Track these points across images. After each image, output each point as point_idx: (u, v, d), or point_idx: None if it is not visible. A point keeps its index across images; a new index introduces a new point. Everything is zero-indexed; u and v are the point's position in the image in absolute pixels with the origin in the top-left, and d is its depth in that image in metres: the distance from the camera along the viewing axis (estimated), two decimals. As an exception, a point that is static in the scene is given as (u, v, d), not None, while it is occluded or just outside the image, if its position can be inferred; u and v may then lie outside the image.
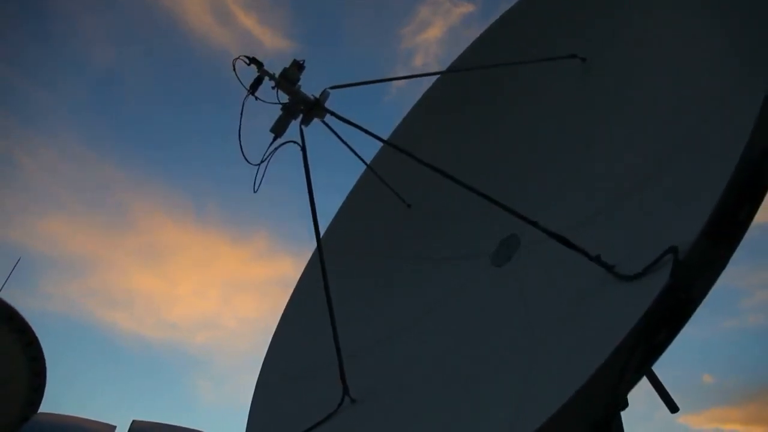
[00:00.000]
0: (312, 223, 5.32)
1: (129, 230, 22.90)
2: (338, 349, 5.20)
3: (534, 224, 4.99)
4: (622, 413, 4.15)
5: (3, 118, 20.49)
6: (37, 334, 13.30)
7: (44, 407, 13.27)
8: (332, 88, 5.09)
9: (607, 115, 5.66)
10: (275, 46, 22.17)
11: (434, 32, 21.79)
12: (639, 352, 3.15)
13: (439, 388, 4.83)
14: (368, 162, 7.59)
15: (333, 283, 7.15)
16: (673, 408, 4.44)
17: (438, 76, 8.47)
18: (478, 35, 8.48)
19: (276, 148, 4.97)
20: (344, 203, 8.69)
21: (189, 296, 24.20)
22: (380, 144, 8.92)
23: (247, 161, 4.88)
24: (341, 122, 5.07)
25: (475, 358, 4.81)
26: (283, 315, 7.94)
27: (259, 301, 25.16)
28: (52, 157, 21.89)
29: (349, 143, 6.34)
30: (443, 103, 8.29)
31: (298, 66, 4.91)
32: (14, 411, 12.85)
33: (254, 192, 4.94)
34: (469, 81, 7.72)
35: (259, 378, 7.16)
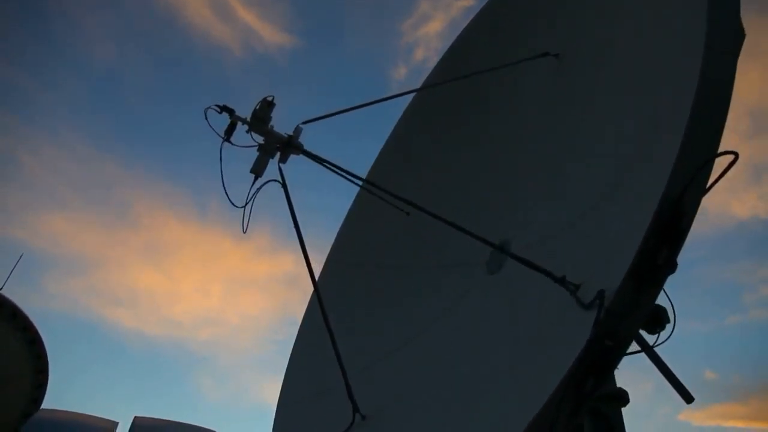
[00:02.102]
0: (302, 250, 5.35)
1: (131, 228, 23.05)
2: (343, 371, 5.30)
3: (501, 249, 5.25)
4: (624, 410, 4.28)
5: (5, 117, 20.60)
6: (39, 332, 13.59)
7: (47, 404, 13.55)
8: (304, 123, 5.18)
9: (580, 119, 5.74)
10: (275, 40, 22.19)
11: (435, 26, 21.81)
12: (568, 402, 3.29)
13: (444, 400, 4.98)
14: (365, 173, 7.67)
15: (340, 298, 7.45)
16: (687, 398, 4.53)
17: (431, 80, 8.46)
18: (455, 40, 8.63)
19: (258, 189, 5.01)
20: (347, 216, 8.86)
21: (191, 293, 24.35)
22: (375, 153, 9.13)
23: (233, 204, 4.93)
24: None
25: (474, 370, 4.96)
26: (297, 335, 8.10)
27: (261, 298, 25.29)
28: (54, 155, 22.06)
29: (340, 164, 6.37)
30: (427, 117, 8.47)
31: (268, 104, 4.92)
32: (17, 408, 13.11)
33: (243, 233, 4.98)
34: (449, 94, 7.79)
35: (279, 400, 7.34)
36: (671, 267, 3.63)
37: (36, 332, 13.50)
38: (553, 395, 3.26)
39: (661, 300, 4.25)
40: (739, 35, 4.22)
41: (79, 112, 22.63)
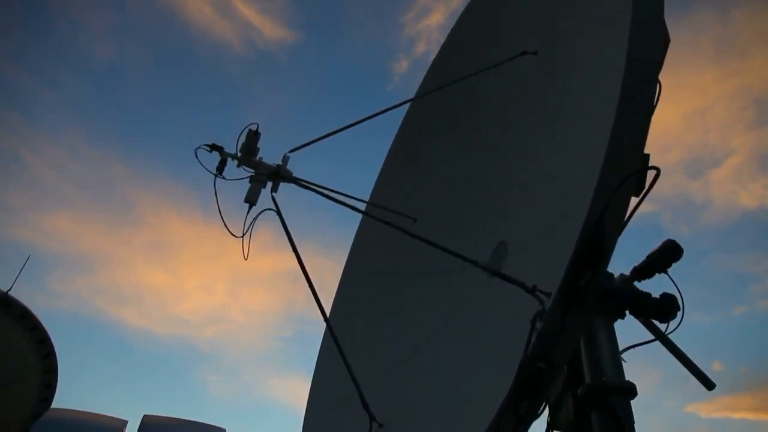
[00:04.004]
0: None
1: (135, 226, 23.44)
2: (355, 382, 5.45)
3: (474, 263, 5.36)
4: (632, 402, 4.36)
5: (8, 117, 21.01)
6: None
7: (56, 403, 13.92)
8: (291, 151, 5.43)
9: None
10: (276, 35, 22.56)
11: (436, 18, 22.15)
12: (507, 426, 3.51)
13: (448, 409, 5.14)
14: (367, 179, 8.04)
15: (356, 308, 7.89)
16: (708, 385, 4.77)
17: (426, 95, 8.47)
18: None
19: (255, 218, 5.22)
20: (359, 229, 9.11)
21: (196, 291, 24.69)
22: (373, 156, 9.45)
23: (232, 234, 5.17)
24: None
25: (462, 383, 5.19)
26: (321, 345, 8.30)
27: (266, 294, 25.66)
28: (58, 154, 22.58)
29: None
30: (424, 124, 8.78)
31: (254, 134, 5.18)
32: (27, 408, 13.47)
33: (245, 260, 5.23)
34: (444, 100, 8.02)
35: (306, 410, 7.58)
36: (596, 288, 3.79)
37: (45, 332, 13.90)
38: (494, 420, 3.50)
39: (669, 287, 4.60)
40: (662, 43, 4.29)
41: (81, 110, 23.14)
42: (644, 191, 3.97)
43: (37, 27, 21.00)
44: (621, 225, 3.92)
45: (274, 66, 23.55)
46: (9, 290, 13.71)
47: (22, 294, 13.91)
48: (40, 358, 13.76)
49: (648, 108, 4.09)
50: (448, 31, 8.89)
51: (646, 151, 4.02)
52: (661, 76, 4.32)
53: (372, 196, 8.84)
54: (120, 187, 23.37)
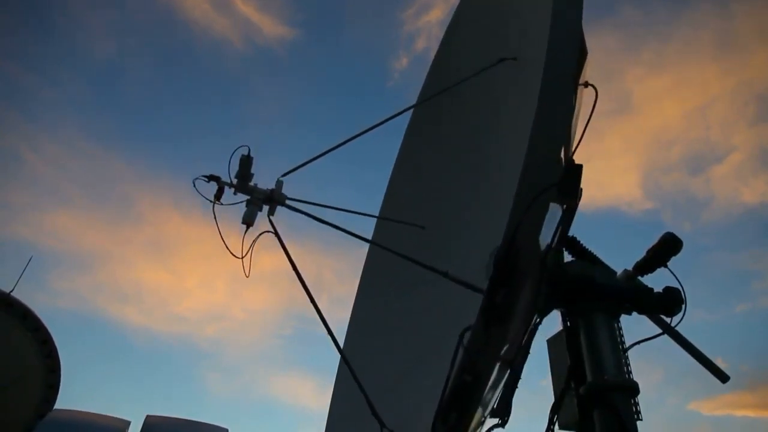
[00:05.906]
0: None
1: (136, 224, 24.06)
2: (362, 390, 5.67)
3: (444, 275, 5.83)
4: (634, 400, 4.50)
5: (7, 114, 21.77)
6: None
7: (58, 404, 14.50)
8: (284, 175, 5.80)
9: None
10: (275, 32, 23.12)
11: (435, 14, 22.55)
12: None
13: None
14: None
15: (370, 319, 8.36)
16: (723, 377, 4.97)
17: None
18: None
19: (254, 241, 5.59)
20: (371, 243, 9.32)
21: (197, 289, 25.27)
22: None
23: (233, 255, 5.55)
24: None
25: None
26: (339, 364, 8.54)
27: (266, 292, 26.16)
28: (58, 152, 23.24)
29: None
30: (423, 133, 9.24)
31: (246, 158, 5.52)
32: (30, 408, 14.13)
33: (246, 277, 5.59)
34: (440, 108, 8.46)
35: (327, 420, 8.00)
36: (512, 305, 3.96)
37: (47, 332, 14.52)
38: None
39: (671, 282, 4.86)
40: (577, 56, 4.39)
41: (81, 108, 23.93)
42: (563, 224, 4.22)
43: (37, 25, 21.72)
44: (533, 244, 4.10)
45: (273, 63, 24.21)
46: (11, 291, 14.37)
47: (22, 293, 14.33)
48: (42, 358, 14.42)
49: (564, 120, 4.26)
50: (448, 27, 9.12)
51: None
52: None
53: (383, 205, 9.34)
54: (120, 185, 24.01)
